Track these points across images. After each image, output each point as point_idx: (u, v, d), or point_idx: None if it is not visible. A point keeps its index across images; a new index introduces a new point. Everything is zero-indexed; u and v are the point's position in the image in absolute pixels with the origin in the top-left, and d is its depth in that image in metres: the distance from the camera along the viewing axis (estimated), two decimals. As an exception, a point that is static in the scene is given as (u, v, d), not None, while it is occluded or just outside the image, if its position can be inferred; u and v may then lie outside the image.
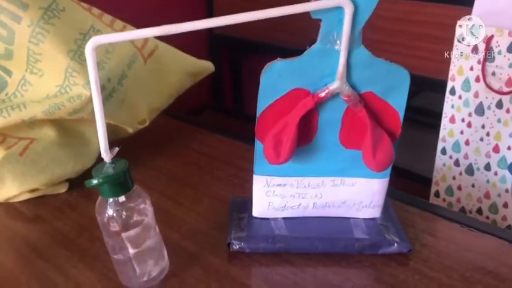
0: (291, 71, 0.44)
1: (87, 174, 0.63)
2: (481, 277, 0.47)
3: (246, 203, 0.54)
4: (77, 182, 0.63)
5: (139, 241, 0.44)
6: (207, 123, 0.83)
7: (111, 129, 0.66)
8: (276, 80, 0.45)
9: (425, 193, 0.96)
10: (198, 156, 0.72)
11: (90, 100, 0.57)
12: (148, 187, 0.62)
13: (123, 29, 0.64)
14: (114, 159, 0.42)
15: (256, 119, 0.47)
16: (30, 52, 0.58)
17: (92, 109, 0.58)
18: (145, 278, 0.46)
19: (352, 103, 0.45)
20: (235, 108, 1.58)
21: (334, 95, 0.45)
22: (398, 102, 0.46)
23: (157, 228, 0.46)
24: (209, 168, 0.68)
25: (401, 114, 0.47)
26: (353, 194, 0.51)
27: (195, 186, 0.63)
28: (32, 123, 0.60)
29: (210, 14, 1.43)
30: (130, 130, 0.67)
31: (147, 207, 0.44)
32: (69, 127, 0.63)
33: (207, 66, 0.73)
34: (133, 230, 0.43)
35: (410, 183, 1.14)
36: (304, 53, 0.44)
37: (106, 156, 0.41)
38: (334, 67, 0.44)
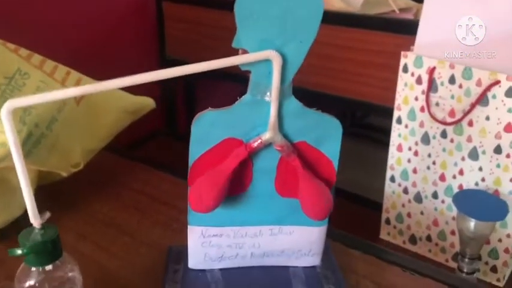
0: (222, 121, 0.45)
1: (16, 224, 0.60)
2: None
3: (183, 252, 0.54)
4: (6, 232, 0.60)
5: None
6: (151, 159, 0.82)
7: (43, 175, 0.64)
8: (207, 130, 0.45)
9: (378, 219, 0.98)
10: (138, 197, 0.70)
11: None
12: (81, 236, 0.61)
13: (53, 71, 0.63)
14: (44, 224, 0.40)
15: (189, 169, 0.47)
16: (-51, 97, 0.55)
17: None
18: None
19: (286, 153, 0.46)
20: (189, 134, 1.57)
21: (267, 145, 0.45)
22: (331, 151, 0.47)
23: None
24: (149, 211, 0.67)
25: (335, 162, 0.48)
26: (291, 242, 0.52)
27: (133, 233, 0.62)
28: (-49, 173, 0.58)
29: (161, 37, 1.43)
30: (64, 174, 0.65)
31: (76, 275, 0.42)
32: (-6, 175, 0.60)
33: (146, 103, 0.72)
34: None
35: (362, 209, 1.16)
36: (235, 103, 0.44)
37: (35, 221, 0.40)
38: (265, 117, 0.44)
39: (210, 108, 0.45)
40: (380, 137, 0.96)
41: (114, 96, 0.70)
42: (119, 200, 0.69)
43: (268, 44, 0.41)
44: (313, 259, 0.53)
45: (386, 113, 0.91)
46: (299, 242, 0.51)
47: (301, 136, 0.46)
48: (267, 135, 0.45)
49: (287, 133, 0.45)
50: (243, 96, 0.44)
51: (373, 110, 1.06)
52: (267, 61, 0.41)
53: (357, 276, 0.54)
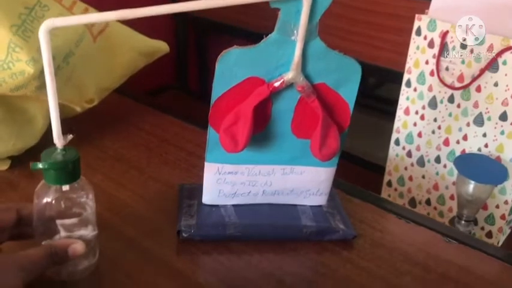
0: (247, 59, 0.48)
1: (30, 152, 0.64)
2: (410, 268, 0.52)
3: (195, 189, 0.58)
4: (20, 160, 0.64)
5: (73, 229, 0.45)
6: (162, 104, 0.85)
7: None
8: (231, 67, 0.48)
9: (380, 182, 1.03)
10: (148, 137, 0.74)
11: (33, 77, 0.58)
12: (92, 168, 0.65)
13: (72, 5, 0.65)
14: (65, 147, 0.43)
15: (211, 106, 0.50)
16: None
17: (36, 86, 0.60)
18: (70, 268, 0.46)
19: (306, 93, 0.49)
20: (200, 89, 1.61)
21: (289, 85, 0.49)
22: (349, 94, 0.51)
23: (96, 226, 0.47)
24: (158, 150, 0.71)
25: (351, 106, 0.51)
26: (301, 182, 0.56)
27: (141, 169, 0.66)
28: (-29, 98, 0.61)
29: None
30: (78, 109, 0.68)
31: (89, 201, 0.46)
32: (12, 103, 0.63)
33: (161, 46, 0.75)
34: (69, 219, 0.44)
35: (365, 171, 1.21)
36: (261, 41, 0.47)
37: (58, 142, 0.43)
38: (289, 57, 0.47)
39: (235, 46, 0.48)
40: (391, 109, 0.99)
41: (130, 37, 0.72)
42: (129, 140, 0.73)
43: (300, -18, 0.44)
44: (320, 198, 0.57)
45: (398, 78, 0.94)
46: (308, 182, 0.56)
47: (321, 78, 0.49)
48: (289, 75, 0.48)
49: (309, 74, 0.49)
50: (269, 35, 0.47)
51: (386, 74, 1.09)
52: None
53: (354, 220, 0.58)
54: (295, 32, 0.46)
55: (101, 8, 0.70)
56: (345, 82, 0.50)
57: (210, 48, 1.57)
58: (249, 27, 1.30)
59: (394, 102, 0.97)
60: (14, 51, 0.58)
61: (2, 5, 0.58)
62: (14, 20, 0.59)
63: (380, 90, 1.75)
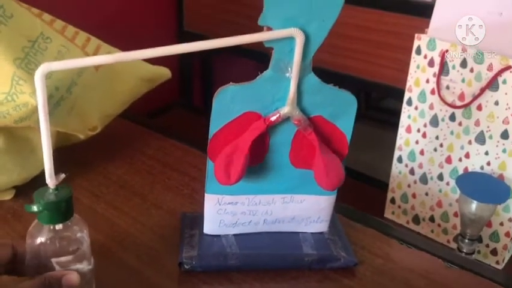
0: (243, 95, 0.49)
1: (34, 181, 0.65)
2: (410, 296, 0.53)
3: (197, 218, 0.59)
4: (24, 190, 0.65)
5: (68, 265, 0.45)
6: (165, 128, 0.86)
7: (61, 136, 0.69)
8: (228, 103, 0.49)
9: (383, 199, 1.03)
10: (151, 163, 0.75)
11: (36, 109, 0.59)
12: (95, 195, 0.67)
13: (74, 36, 0.67)
14: (58, 185, 0.44)
15: (209, 140, 0.51)
16: (-24, 58, 0.59)
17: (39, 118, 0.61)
18: None
19: (302, 127, 0.50)
20: (205, 107, 1.63)
21: (285, 119, 0.50)
22: (345, 125, 0.52)
23: (92, 259, 0.48)
24: (161, 176, 0.72)
25: (348, 136, 0.52)
26: (302, 210, 0.57)
27: (144, 195, 0.67)
28: (-24, 130, 0.62)
29: (179, 11, 1.47)
30: (82, 136, 0.69)
31: (84, 236, 0.46)
32: (16, 134, 0.65)
33: (163, 72, 0.76)
34: (64, 257, 0.44)
35: (369, 188, 1.22)
36: (256, 78, 0.48)
37: (50, 181, 0.43)
38: (285, 92, 0.49)
39: (231, 83, 0.49)
40: (395, 121, 1.00)
41: (132, 64, 0.74)
42: (132, 165, 0.74)
43: (292, 22, 0.45)
44: (321, 225, 0.58)
45: (399, 95, 0.95)
46: (309, 210, 0.57)
47: (317, 111, 0.50)
48: (285, 110, 0.49)
49: (304, 107, 0.50)
50: (264, 72, 0.48)
51: (386, 91, 1.10)
52: (290, 38, 0.45)
53: (355, 246, 0.59)
54: (289, 69, 0.47)
55: (102, 35, 0.72)
56: (341, 114, 0.51)
57: (214, 65, 1.59)
58: (252, 46, 1.31)
59: (397, 113, 0.97)
60: (17, 83, 0.59)
61: (6, 39, 0.60)
62: (18, 53, 0.60)
63: (386, 102, 1.76)
